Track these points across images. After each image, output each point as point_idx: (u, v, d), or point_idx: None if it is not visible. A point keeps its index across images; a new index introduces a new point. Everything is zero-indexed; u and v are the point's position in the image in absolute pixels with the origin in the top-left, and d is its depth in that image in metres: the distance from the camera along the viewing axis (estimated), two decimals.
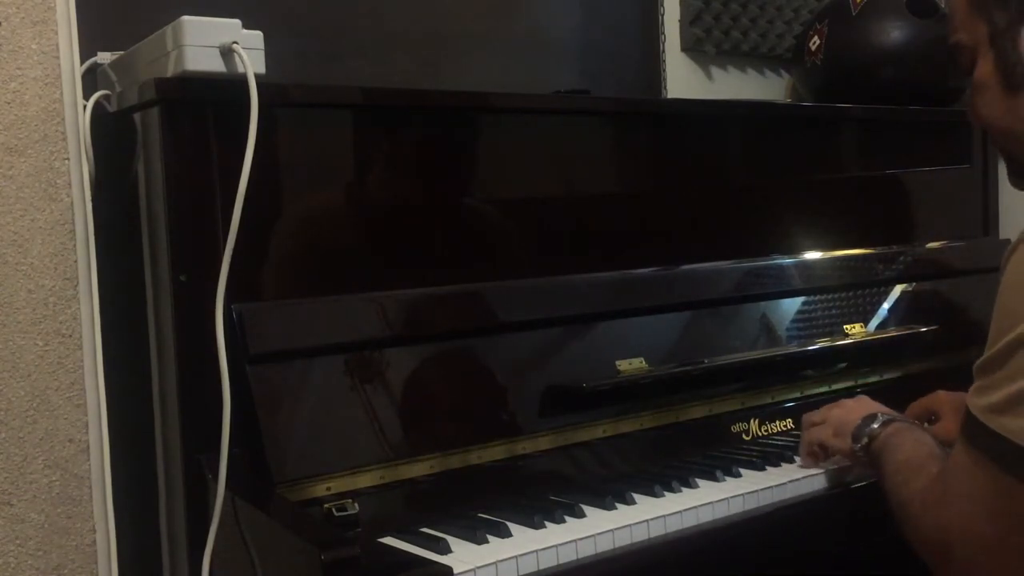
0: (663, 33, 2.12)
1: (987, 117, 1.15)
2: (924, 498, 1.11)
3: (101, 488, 1.34)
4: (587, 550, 1.19)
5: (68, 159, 1.32)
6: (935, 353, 1.82)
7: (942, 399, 1.52)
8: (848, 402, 1.42)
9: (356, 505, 1.21)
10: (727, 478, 1.40)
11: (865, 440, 1.29)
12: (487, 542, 1.18)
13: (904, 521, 1.14)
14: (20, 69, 1.29)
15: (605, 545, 1.20)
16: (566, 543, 1.18)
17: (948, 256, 1.98)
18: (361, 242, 1.38)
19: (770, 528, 1.34)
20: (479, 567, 1.11)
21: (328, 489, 1.22)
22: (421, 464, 1.29)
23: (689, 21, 2.14)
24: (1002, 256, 1.09)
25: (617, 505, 1.29)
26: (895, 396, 1.52)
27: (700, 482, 1.37)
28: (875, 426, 1.29)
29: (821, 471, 1.42)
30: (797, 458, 1.45)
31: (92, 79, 1.41)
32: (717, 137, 1.75)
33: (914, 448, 1.21)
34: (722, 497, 1.31)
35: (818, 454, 1.42)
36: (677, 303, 1.58)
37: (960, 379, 1.75)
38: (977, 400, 1.04)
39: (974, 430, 1.04)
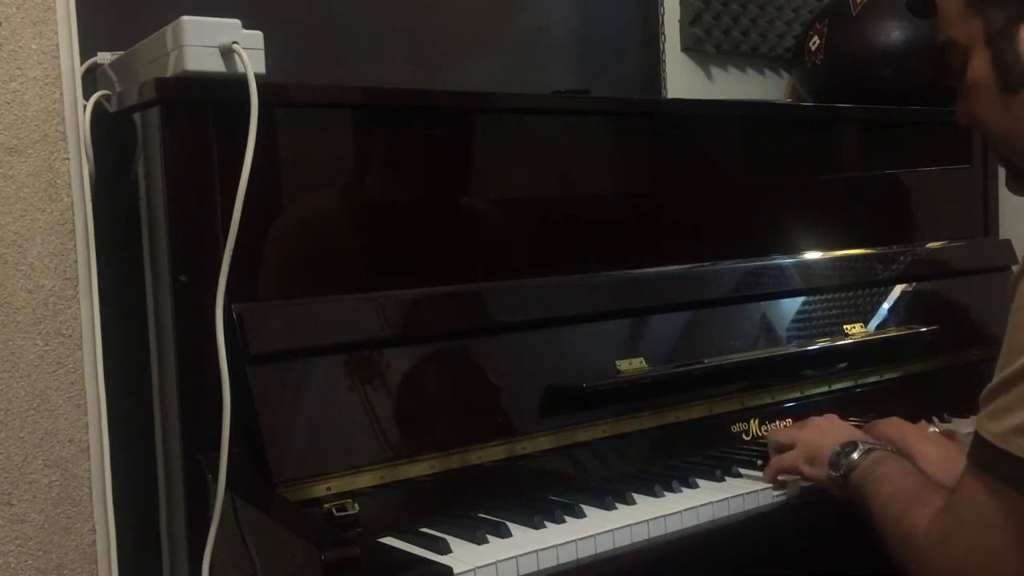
0: (663, 33, 2.12)
1: (984, 118, 1.11)
2: (930, 532, 1.05)
3: (101, 488, 1.34)
4: (587, 550, 1.19)
5: (68, 159, 1.32)
6: (935, 353, 1.82)
7: (902, 429, 1.37)
8: (819, 422, 1.37)
9: (356, 505, 1.21)
10: (727, 478, 1.40)
11: (844, 470, 1.22)
12: (487, 542, 1.18)
13: (907, 557, 1.09)
14: (20, 69, 1.29)
15: (605, 545, 1.20)
16: (566, 543, 1.18)
17: (948, 256, 1.98)
18: (361, 242, 1.38)
19: (770, 528, 1.34)
20: (479, 567, 1.11)
21: (328, 489, 1.22)
22: (421, 464, 1.29)
23: (689, 21, 2.14)
24: (999, 253, 1.06)
25: (617, 505, 1.29)
26: (895, 396, 1.53)
27: (700, 482, 1.37)
28: (855, 456, 1.22)
29: None
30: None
31: (92, 79, 1.41)
32: (717, 137, 1.75)
33: (903, 478, 1.15)
34: (722, 497, 1.31)
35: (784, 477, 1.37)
36: (677, 303, 1.58)
37: (960, 379, 1.76)
38: (991, 425, 0.99)
39: (989, 457, 0.99)
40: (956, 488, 1.05)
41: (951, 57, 1.13)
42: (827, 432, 1.32)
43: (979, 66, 1.09)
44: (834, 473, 1.24)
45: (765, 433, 1.53)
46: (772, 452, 1.40)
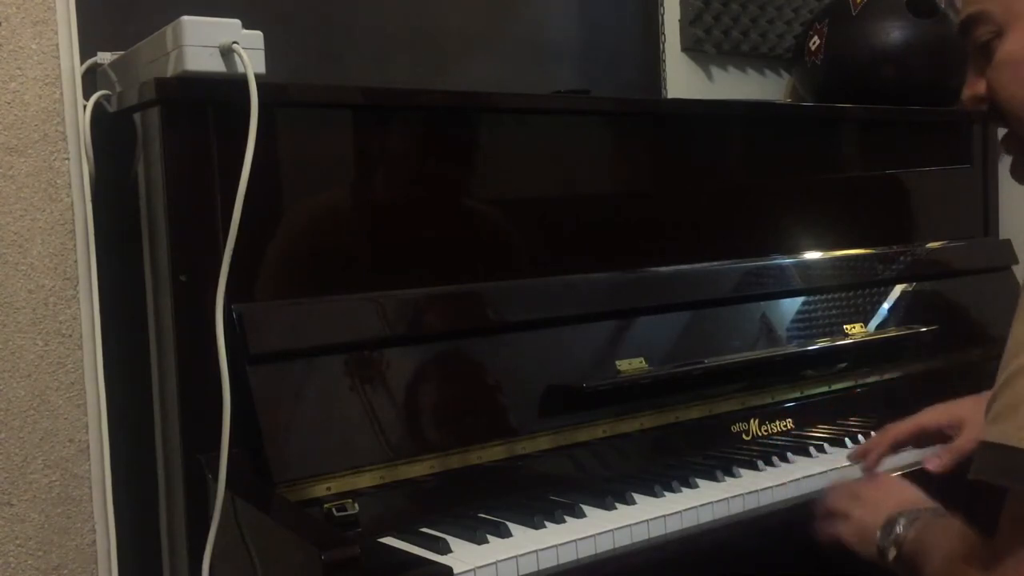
0: (663, 33, 2.12)
1: (1014, 96, 1.05)
2: None
3: (101, 488, 1.34)
4: (587, 550, 1.19)
5: (68, 159, 1.32)
6: (935, 353, 1.82)
7: (956, 411, 1.37)
8: (873, 494, 1.27)
9: (356, 505, 1.21)
10: (727, 478, 1.40)
11: (894, 551, 1.17)
12: (487, 542, 1.18)
13: None
14: (20, 69, 1.29)
15: (605, 545, 1.21)
16: (566, 543, 1.18)
17: (948, 256, 1.98)
18: (361, 242, 1.37)
19: (770, 528, 1.34)
20: (479, 567, 1.11)
21: (328, 489, 1.22)
22: (421, 464, 1.29)
23: (689, 21, 2.14)
24: (999, 253, 1.03)
25: (617, 505, 1.29)
26: (895, 396, 1.53)
27: (700, 482, 1.38)
28: (899, 530, 1.17)
29: (820, 471, 1.42)
30: (796, 458, 1.44)
31: (92, 79, 1.41)
32: (717, 137, 1.75)
33: (948, 543, 1.09)
34: (722, 497, 1.32)
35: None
36: (677, 303, 1.58)
37: (960, 379, 1.76)
38: (1002, 427, 0.93)
39: (1012, 463, 0.92)
40: (998, 529, 0.99)
41: (976, 31, 1.08)
42: (878, 507, 1.24)
43: (1018, 41, 1.04)
44: (887, 554, 1.19)
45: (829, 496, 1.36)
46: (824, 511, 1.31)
